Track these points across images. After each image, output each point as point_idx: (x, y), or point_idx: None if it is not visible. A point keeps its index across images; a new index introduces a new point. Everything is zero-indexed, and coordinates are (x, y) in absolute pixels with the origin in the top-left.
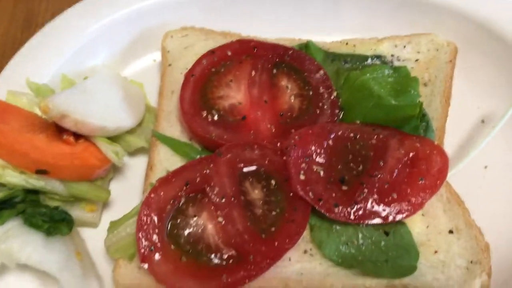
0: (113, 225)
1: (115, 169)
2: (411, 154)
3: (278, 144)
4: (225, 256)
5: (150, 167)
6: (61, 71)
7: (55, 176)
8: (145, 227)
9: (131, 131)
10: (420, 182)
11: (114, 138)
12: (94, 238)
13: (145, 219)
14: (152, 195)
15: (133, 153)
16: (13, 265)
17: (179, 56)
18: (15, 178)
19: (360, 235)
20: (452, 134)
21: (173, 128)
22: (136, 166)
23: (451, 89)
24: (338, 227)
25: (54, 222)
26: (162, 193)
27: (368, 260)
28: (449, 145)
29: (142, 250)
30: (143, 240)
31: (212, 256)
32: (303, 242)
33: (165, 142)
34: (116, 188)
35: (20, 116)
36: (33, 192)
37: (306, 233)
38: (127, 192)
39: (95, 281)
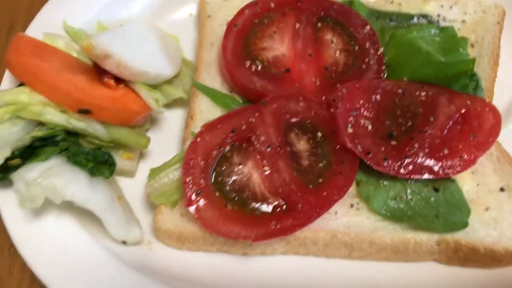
0: (154, 172)
1: (151, 120)
2: (462, 111)
3: (323, 98)
4: (272, 205)
5: (190, 116)
6: (96, 19)
7: (97, 117)
8: (191, 170)
9: (168, 82)
10: (472, 138)
11: (152, 87)
12: (130, 189)
13: (191, 162)
14: (198, 139)
15: (169, 105)
16: (58, 201)
17: (218, 8)
18: (56, 117)
19: (408, 191)
20: (501, 94)
21: (213, 80)
22: (172, 119)
23: (499, 51)
24: (385, 182)
25: (97, 162)
26: (208, 138)
27: (418, 214)
28: (498, 105)
29: (189, 194)
30: (190, 183)
31: (258, 204)
32: (348, 197)
33: (206, 92)
34: (151, 139)
35: (59, 56)
36: (73, 135)
37: (352, 188)
38: (162, 144)
39: (136, 226)
